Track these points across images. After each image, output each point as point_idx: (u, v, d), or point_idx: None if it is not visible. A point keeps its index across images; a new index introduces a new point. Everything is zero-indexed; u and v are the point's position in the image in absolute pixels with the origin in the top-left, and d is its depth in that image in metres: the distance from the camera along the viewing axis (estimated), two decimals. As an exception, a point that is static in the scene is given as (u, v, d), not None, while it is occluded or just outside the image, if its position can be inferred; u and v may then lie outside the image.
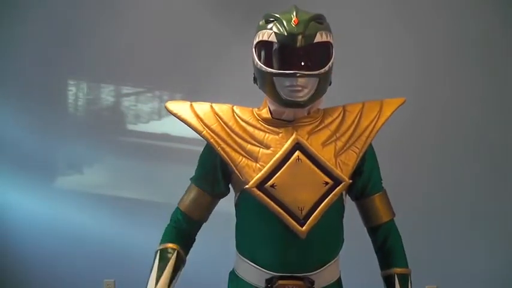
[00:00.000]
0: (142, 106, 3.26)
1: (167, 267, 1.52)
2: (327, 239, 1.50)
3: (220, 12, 3.09)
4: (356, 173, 1.52)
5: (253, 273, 1.50)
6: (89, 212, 3.20)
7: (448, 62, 3.05)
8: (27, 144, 3.20)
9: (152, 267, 1.54)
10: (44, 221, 3.23)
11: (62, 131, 3.21)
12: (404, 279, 1.57)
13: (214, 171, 1.54)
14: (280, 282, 1.46)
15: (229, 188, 1.59)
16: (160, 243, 1.58)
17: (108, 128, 3.25)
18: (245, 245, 1.54)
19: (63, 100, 3.27)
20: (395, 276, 1.58)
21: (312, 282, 1.47)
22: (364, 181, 1.56)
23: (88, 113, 3.29)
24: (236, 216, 1.58)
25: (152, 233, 3.20)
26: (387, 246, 1.61)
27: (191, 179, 1.62)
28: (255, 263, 1.50)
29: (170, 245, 1.56)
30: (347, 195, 1.58)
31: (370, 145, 1.53)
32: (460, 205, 3.08)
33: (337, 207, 1.52)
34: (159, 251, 1.56)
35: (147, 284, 1.53)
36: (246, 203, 1.50)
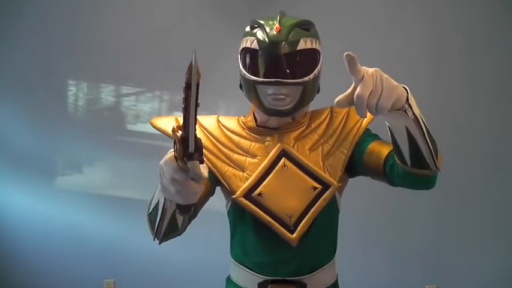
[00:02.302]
0: (142, 106, 3.25)
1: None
2: (320, 244, 1.48)
3: (221, 12, 3.09)
4: (356, 157, 1.42)
5: (245, 277, 1.49)
6: (89, 212, 3.20)
7: (451, 62, 3.05)
8: (27, 144, 3.20)
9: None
10: (44, 220, 3.23)
11: (62, 131, 3.21)
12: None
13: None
14: (272, 286, 1.44)
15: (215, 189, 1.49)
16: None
17: (108, 128, 3.25)
18: (237, 251, 1.53)
19: (63, 100, 3.26)
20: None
21: (304, 286, 1.45)
22: (360, 151, 1.42)
23: (88, 113, 3.28)
24: (229, 223, 1.56)
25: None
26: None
27: None
28: (246, 268, 1.48)
29: None
30: (341, 197, 1.52)
31: (365, 130, 1.45)
32: (460, 205, 3.08)
33: (330, 211, 1.47)
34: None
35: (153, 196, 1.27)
36: (236, 212, 1.48)
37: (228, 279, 1.58)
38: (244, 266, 1.49)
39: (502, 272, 3.09)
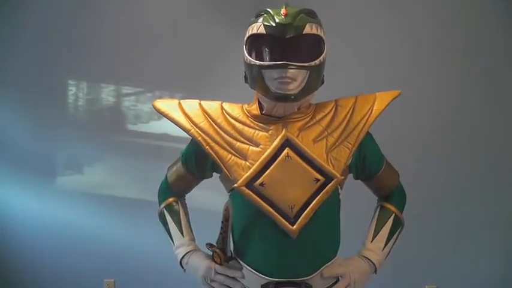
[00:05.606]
0: (142, 106, 3.25)
1: (181, 216, 1.64)
2: (322, 238, 1.46)
3: (221, 12, 3.09)
4: (357, 161, 1.50)
5: (248, 277, 1.46)
6: (88, 212, 3.20)
7: (449, 61, 3.05)
8: (27, 145, 3.20)
9: (168, 226, 1.64)
10: (44, 221, 3.23)
11: (62, 131, 3.21)
12: (386, 214, 1.63)
13: (203, 158, 1.52)
14: None
15: (212, 174, 1.59)
16: (160, 204, 1.69)
17: (108, 128, 3.25)
18: (239, 247, 1.50)
19: (63, 100, 3.27)
20: (379, 208, 1.65)
21: (310, 287, 1.43)
22: (366, 165, 1.54)
23: (88, 113, 3.28)
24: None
25: (152, 232, 3.21)
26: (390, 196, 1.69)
27: (181, 152, 1.63)
28: (249, 267, 1.46)
29: (170, 199, 1.68)
30: (342, 189, 1.52)
31: (367, 133, 1.49)
32: (460, 205, 3.08)
33: (332, 204, 1.47)
34: (164, 210, 1.66)
35: (172, 242, 1.61)
36: (236, 202, 1.45)
37: None
38: (246, 264, 1.47)
39: (502, 272, 3.09)
